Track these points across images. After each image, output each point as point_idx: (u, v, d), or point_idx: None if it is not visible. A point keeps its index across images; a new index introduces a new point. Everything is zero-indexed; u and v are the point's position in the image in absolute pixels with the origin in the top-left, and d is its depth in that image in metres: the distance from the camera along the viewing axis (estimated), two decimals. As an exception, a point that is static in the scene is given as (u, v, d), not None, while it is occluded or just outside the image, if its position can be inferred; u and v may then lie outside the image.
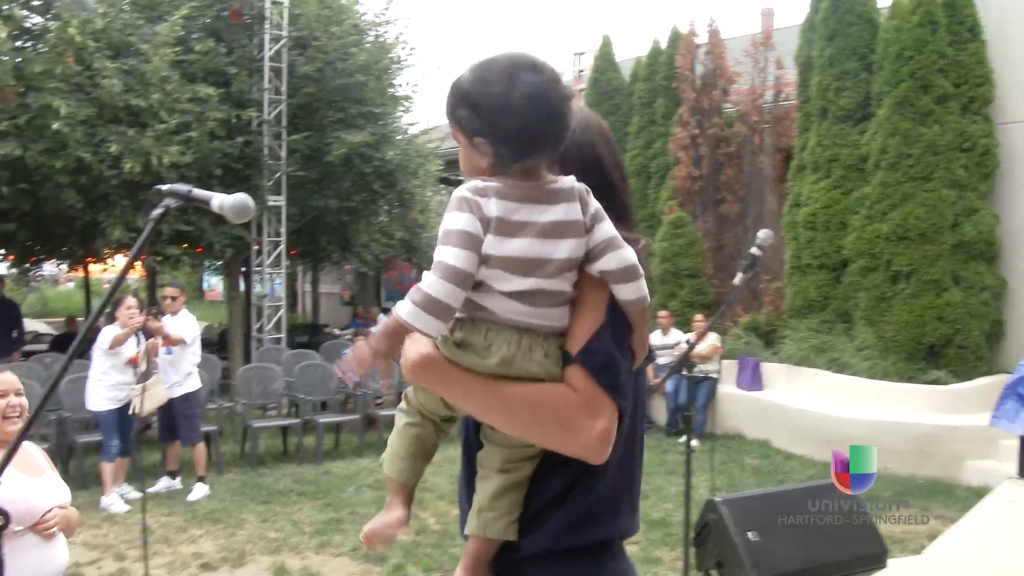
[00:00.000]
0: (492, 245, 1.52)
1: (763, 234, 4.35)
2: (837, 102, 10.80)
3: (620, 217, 1.78)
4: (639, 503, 1.84)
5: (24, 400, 3.23)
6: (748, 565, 3.98)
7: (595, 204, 1.62)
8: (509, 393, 1.59)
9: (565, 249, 1.57)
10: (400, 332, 1.50)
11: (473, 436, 1.80)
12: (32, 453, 3.24)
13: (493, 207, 1.53)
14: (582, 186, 1.62)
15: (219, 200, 1.76)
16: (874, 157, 10.24)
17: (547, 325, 1.60)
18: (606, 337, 1.60)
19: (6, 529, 1.71)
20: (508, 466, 1.69)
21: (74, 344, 1.81)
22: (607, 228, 1.62)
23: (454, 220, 1.52)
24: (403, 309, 1.48)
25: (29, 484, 2.94)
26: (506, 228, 1.53)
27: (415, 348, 1.62)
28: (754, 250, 4.26)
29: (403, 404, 1.84)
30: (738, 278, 4.31)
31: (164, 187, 1.81)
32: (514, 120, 1.54)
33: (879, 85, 10.33)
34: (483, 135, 1.57)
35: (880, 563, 4.39)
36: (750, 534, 4.06)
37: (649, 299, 1.67)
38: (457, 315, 1.55)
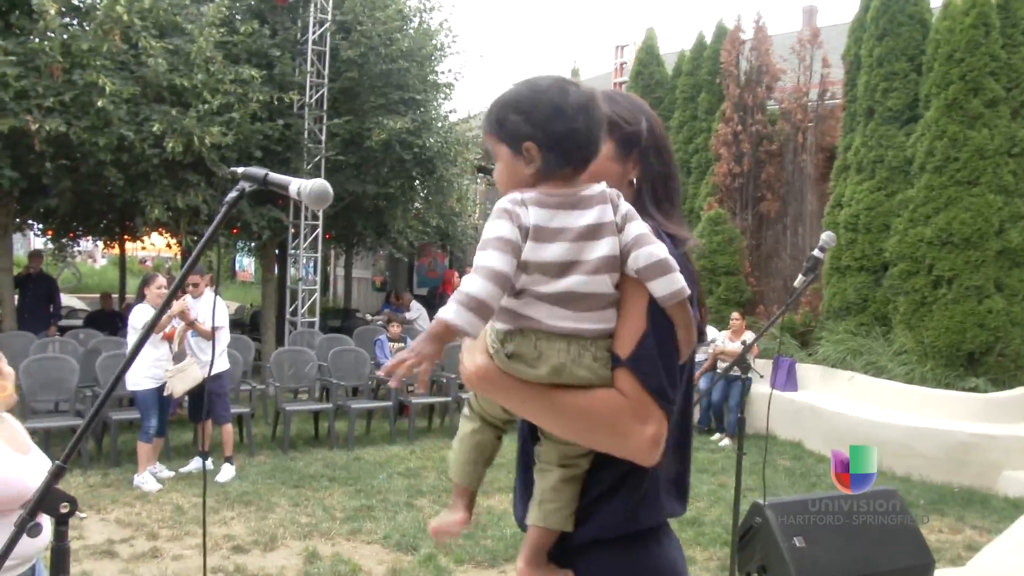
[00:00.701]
0: (531, 252, 1.57)
1: (826, 236, 4.26)
2: (884, 103, 10.65)
3: (675, 207, 1.88)
4: (688, 486, 1.88)
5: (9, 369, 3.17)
6: (793, 572, 3.91)
7: (626, 206, 1.65)
8: (563, 401, 1.62)
9: (600, 249, 1.60)
10: (444, 335, 1.51)
11: (528, 430, 1.83)
12: (17, 428, 3.20)
13: (531, 215, 1.58)
14: (613, 191, 1.66)
15: (297, 185, 1.71)
16: (920, 159, 10.09)
17: (593, 328, 1.62)
18: (651, 342, 1.62)
19: (72, 516, 1.68)
20: (566, 461, 1.72)
21: (148, 328, 1.77)
22: (636, 227, 1.63)
23: (494, 228, 1.56)
24: (446, 311, 1.51)
25: (21, 462, 2.93)
26: (543, 235, 1.57)
27: (471, 359, 1.68)
28: (816, 252, 4.17)
29: (466, 410, 1.91)
30: (799, 280, 4.23)
31: (240, 170, 1.76)
32: (566, 124, 1.61)
33: (928, 87, 10.17)
34: (533, 139, 1.62)
35: (926, 574, 4.32)
36: (796, 539, 4.00)
37: (688, 292, 1.65)
38: (507, 327, 1.62)
